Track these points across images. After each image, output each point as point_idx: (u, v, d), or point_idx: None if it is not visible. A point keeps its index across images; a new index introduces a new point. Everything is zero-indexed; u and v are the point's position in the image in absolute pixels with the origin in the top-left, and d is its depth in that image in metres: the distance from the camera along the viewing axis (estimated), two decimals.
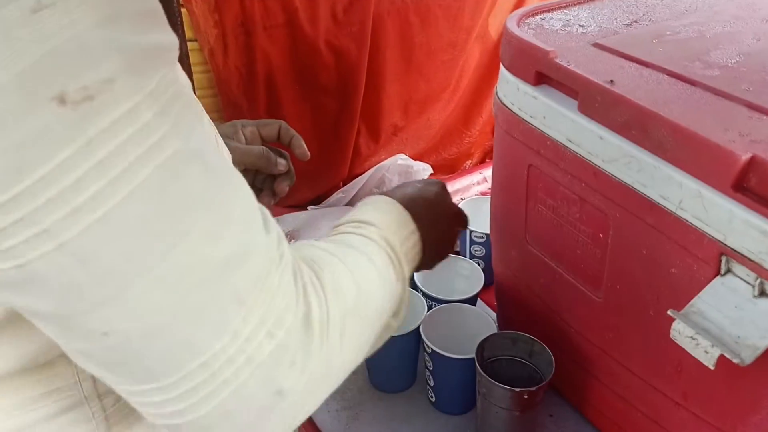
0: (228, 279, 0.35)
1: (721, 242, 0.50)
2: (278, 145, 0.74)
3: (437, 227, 0.61)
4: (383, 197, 0.59)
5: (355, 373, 0.81)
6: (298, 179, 1.09)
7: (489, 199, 0.84)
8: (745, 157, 0.48)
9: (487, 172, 1.18)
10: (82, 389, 0.43)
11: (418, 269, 0.61)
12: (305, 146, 0.74)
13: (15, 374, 0.40)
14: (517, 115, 0.67)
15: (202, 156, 0.34)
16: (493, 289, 0.88)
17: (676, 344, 0.51)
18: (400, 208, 0.58)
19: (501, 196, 0.77)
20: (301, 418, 0.41)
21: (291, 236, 1.01)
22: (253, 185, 0.73)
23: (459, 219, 0.67)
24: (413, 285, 0.83)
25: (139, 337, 0.33)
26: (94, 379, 0.43)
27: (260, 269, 0.37)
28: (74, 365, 0.42)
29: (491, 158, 1.25)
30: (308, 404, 0.41)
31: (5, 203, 0.29)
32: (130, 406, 0.46)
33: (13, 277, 0.31)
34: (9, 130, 0.28)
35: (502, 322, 0.86)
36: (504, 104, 0.69)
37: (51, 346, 0.39)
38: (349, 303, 0.44)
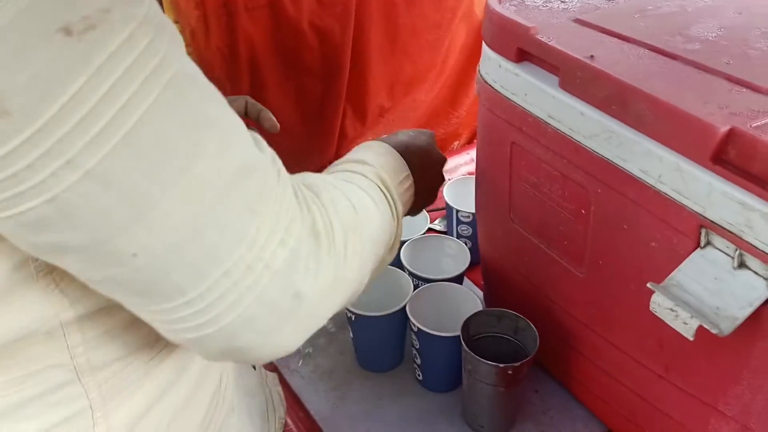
0: (239, 189, 0.37)
1: (701, 215, 0.50)
2: (246, 120, 0.75)
3: (427, 174, 0.66)
4: (379, 143, 0.63)
5: (342, 353, 0.83)
6: (284, 161, 1.09)
7: (473, 179, 0.84)
8: (723, 129, 0.48)
9: (475, 152, 1.17)
10: (76, 365, 0.43)
11: (406, 214, 0.66)
12: (274, 118, 0.75)
13: (3, 349, 0.40)
14: (499, 92, 0.67)
15: (197, 78, 0.36)
16: (480, 268, 0.88)
17: (657, 317, 0.51)
18: (396, 153, 0.62)
19: (485, 174, 0.77)
20: (317, 323, 0.44)
21: None
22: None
23: (442, 166, 0.71)
24: (399, 264, 0.83)
25: (166, 253, 0.36)
26: (87, 355, 0.43)
27: (264, 181, 0.39)
28: (66, 340, 0.42)
29: None
30: (322, 310, 0.44)
31: (31, 137, 0.30)
32: (125, 381, 0.46)
33: (44, 214, 0.32)
34: (24, 66, 0.29)
35: (489, 300, 0.86)
36: (486, 82, 0.69)
37: (41, 318, 0.39)
38: (349, 220, 0.47)
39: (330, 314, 0.46)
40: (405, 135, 0.67)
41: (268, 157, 0.41)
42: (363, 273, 0.50)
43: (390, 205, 0.57)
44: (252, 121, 0.75)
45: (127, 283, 0.37)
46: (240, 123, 0.39)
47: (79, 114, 0.30)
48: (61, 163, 0.31)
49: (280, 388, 0.77)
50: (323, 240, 0.43)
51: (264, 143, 0.42)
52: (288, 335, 0.42)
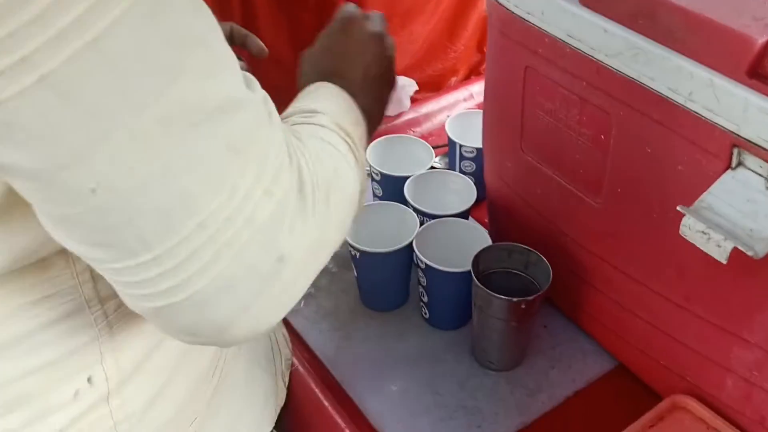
0: (223, 125, 0.32)
1: (734, 133, 0.48)
2: (233, 48, 0.71)
3: (378, 90, 0.59)
4: (325, 84, 0.55)
5: (345, 293, 0.81)
6: (277, 100, 1.05)
7: (478, 114, 0.81)
8: (761, 41, 0.46)
9: (474, 88, 1.14)
10: (83, 293, 0.40)
11: None
12: (261, 43, 0.71)
13: (6, 276, 0.37)
14: (512, 12, 0.63)
15: None
16: (484, 205, 0.85)
17: (680, 245, 0.50)
18: (344, 94, 0.54)
19: (495, 103, 0.73)
20: (296, 294, 0.39)
21: None
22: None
23: (382, 42, 0.61)
24: (403, 200, 0.80)
25: (131, 192, 0.31)
26: (94, 282, 0.41)
27: (252, 120, 0.35)
28: (72, 266, 0.39)
29: (477, 74, 1.21)
30: (302, 277, 0.39)
31: None
32: (132, 314, 0.43)
33: None
34: None
35: (495, 237, 0.84)
36: (498, 1, 0.65)
37: (43, 239, 0.36)
38: (330, 173, 0.43)
39: (307, 284, 0.41)
40: (328, 50, 0.58)
41: (259, 97, 0.37)
42: (341, 234, 0.46)
43: (355, 154, 0.51)
44: (239, 48, 0.71)
45: (84, 227, 0.32)
46: (232, 55, 0.35)
47: (39, 5, 0.26)
48: (13, 61, 0.26)
49: (284, 330, 0.75)
50: (308, 195, 0.39)
51: (256, 83, 0.38)
52: (266, 307, 0.37)
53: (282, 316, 0.39)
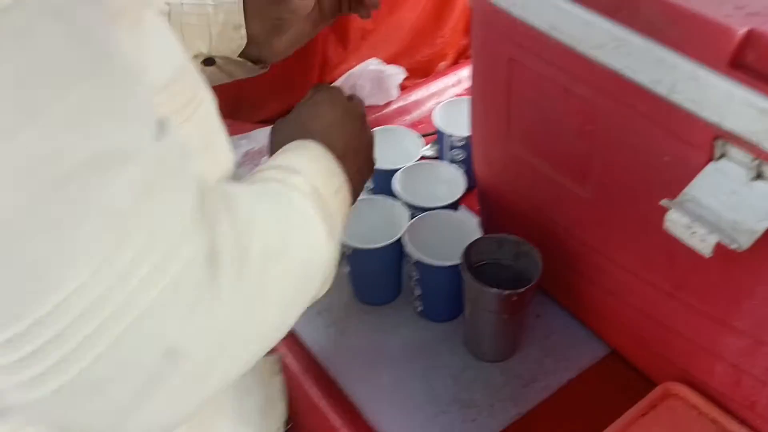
0: (96, 182, 0.27)
1: (717, 125, 0.48)
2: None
3: (360, 164, 0.56)
4: (310, 142, 0.51)
5: (338, 288, 0.81)
6: (264, 94, 1.04)
7: (466, 101, 0.80)
8: (742, 31, 0.45)
9: (462, 73, 1.13)
10: None
11: None
12: None
13: None
14: (494, 4, 0.62)
15: (65, 12, 0.26)
16: (475, 193, 0.85)
17: (668, 235, 0.49)
18: (330, 157, 0.51)
19: (481, 94, 0.73)
20: (208, 389, 0.32)
21: (261, 153, 0.96)
22: (338, 7, 0.69)
23: (372, 148, 0.61)
24: (393, 194, 0.80)
25: None
26: None
27: (144, 179, 0.29)
28: None
29: (465, 59, 1.20)
30: (215, 370, 0.32)
31: None
32: None
33: None
34: None
35: (487, 226, 0.84)
36: None
37: None
38: (275, 241, 0.37)
39: (232, 376, 0.34)
40: (331, 124, 0.54)
41: (168, 147, 0.31)
42: (287, 315, 0.39)
43: (327, 224, 0.45)
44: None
45: None
46: (137, 90, 0.29)
47: None
48: None
49: (281, 378, 0.69)
50: (227, 268, 0.32)
51: (170, 128, 0.31)
52: (156, 414, 0.30)
53: (186, 420, 0.32)
